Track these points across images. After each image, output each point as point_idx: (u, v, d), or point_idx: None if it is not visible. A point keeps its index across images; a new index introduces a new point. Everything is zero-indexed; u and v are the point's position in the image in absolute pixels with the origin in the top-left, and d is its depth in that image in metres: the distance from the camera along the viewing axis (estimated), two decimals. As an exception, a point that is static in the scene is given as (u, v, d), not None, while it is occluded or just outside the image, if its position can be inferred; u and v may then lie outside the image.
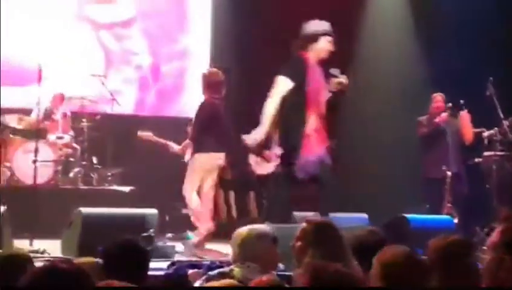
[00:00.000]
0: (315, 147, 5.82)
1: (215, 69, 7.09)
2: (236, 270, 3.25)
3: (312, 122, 5.83)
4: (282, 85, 5.81)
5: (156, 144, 7.29)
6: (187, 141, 6.97)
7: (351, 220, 6.04)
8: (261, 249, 3.40)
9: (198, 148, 6.69)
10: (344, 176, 7.70)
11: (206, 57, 9.88)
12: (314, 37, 5.89)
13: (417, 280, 2.61)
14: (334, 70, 6.00)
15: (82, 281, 2.19)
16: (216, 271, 3.30)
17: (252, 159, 6.59)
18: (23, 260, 3.04)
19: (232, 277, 3.00)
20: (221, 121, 6.72)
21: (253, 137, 5.92)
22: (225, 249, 5.84)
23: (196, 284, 3.31)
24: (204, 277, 3.29)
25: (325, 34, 5.91)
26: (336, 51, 6.02)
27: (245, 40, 9.41)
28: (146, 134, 7.30)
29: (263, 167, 6.88)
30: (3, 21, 8.74)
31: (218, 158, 6.73)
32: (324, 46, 5.90)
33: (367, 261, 2.79)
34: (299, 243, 3.42)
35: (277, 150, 5.93)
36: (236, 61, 9.44)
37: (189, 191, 6.69)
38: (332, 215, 5.46)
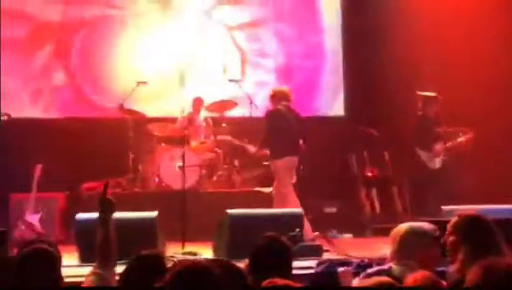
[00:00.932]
0: None
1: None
2: (395, 267, 3.22)
3: None
4: None
5: (236, 146, 7.60)
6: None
7: (500, 212, 5.82)
8: (421, 246, 3.33)
9: (274, 155, 7.25)
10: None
11: (339, 54, 9.86)
12: None
13: None
14: None
15: (233, 279, 2.29)
16: (375, 269, 3.28)
17: (423, 154, 7.82)
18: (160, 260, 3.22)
19: (390, 275, 2.98)
20: (290, 127, 7.28)
21: None
22: (370, 246, 5.79)
23: (354, 282, 3.30)
24: (362, 275, 3.28)
25: None
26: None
27: (378, 37, 9.32)
28: (224, 138, 7.55)
29: (433, 161, 7.37)
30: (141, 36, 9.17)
31: (293, 161, 7.30)
32: None
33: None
34: (451, 238, 3.35)
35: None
36: (368, 58, 9.38)
37: (284, 190, 7.10)
38: (479, 207, 5.29)
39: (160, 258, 3.32)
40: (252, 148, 7.60)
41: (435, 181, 8.07)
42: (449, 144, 8.27)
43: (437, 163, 8.17)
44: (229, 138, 7.72)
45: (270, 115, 7.42)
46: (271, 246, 3.39)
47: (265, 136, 7.39)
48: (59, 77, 9.36)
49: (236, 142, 7.88)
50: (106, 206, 3.40)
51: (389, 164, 8.79)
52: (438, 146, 8.17)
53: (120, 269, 3.19)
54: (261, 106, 9.21)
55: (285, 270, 3.26)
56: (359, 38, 9.66)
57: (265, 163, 8.09)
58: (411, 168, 8.50)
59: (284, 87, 7.79)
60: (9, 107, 8.82)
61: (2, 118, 5.26)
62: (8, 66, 9.19)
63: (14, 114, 8.39)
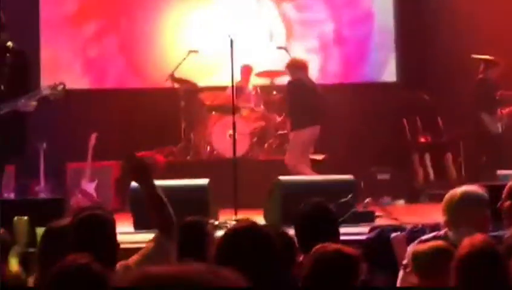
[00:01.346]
0: None
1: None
2: (450, 233, 3.19)
3: None
4: None
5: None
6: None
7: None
8: (475, 211, 3.28)
9: (297, 125, 7.36)
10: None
11: (389, 19, 9.70)
12: None
13: None
14: None
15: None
16: (430, 235, 3.26)
17: (487, 118, 7.82)
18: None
19: (446, 241, 2.95)
20: (312, 96, 7.38)
21: None
22: (424, 212, 5.73)
23: (408, 248, 3.28)
24: (417, 241, 3.25)
25: None
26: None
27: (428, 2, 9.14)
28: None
29: (496, 125, 7.67)
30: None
31: (316, 131, 7.40)
32: None
33: None
34: (507, 202, 3.30)
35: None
36: (421, 22, 9.21)
37: (293, 162, 7.28)
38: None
39: (203, 224, 3.36)
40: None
41: (492, 146, 7.93)
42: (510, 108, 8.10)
43: (499, 127, 8.02)
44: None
45: (292, 85, 7.51)
46: (316, 213, 3.40)
47: (288, 107, 7.55)
48: (111, 49, 9.47)
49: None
50: (142, 172, 3.26)
51: (442, 129, 8.66)
52: (506, 110, 8.03)
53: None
54: (310, 73, 9.16)
55: (332, 236, 3.26)
56: (411, 1, 9.48)
57: (281, 132, 8.21)
58: (467, 133, 8.36)
59: (301, 58, 7.85)
60: (63, 78, 8.97)
61: (59, 87, 5.35)
62: (61, 39, 9.35)
63: (68, 86, 8.54)
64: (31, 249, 4.36)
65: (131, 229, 5.58)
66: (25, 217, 4.48)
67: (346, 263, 2.71)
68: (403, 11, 9.59)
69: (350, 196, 5.59)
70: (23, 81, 5.42)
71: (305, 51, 9.66)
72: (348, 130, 8.81)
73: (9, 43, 5.41)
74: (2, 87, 5.31)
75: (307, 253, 2.79)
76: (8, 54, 5.35)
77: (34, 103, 5.25)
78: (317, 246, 2.84)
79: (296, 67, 7.53)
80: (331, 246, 2.84)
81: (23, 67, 5.46)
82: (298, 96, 7.38)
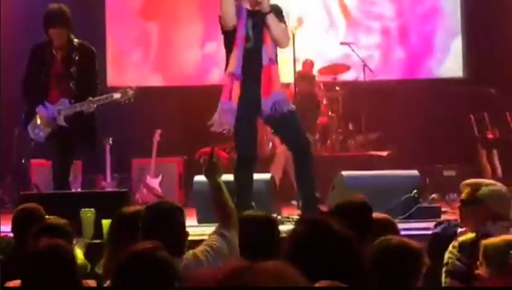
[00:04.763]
0: None
1: None
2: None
3: None
4: None
5: None
6: None
7: None
8: None
9: None
10: None
11: (456, 14, 9.50)
12: None
13: None
14: None
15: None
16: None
17: None
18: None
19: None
20: None
21: None
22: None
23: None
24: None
25: None
26: None
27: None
28: None
29: None
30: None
31: None
32: None
33: None
34: None
35: None
36: (489, 17, 8.99)
37: None
38: None
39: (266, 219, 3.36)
40: None
41: None
42: None
43: None
44: None
45: None
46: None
47: None
48: (177, 47, 9.56)
49: None
50: (213, 170, 3.48)
51: (511, 125, 8.43)
52: None
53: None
54: (374, 69, 9.06)
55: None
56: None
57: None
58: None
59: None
60: (128, 75, 9.16)
61: (130, 91, 5.46)
62: (127, 36, 9.52)
63: (133, 83, 8.69)
64: (97, 241, 4.45)
65: (195, 222, 5.63)
66: (92, 209, 4.56)
67: (409, 256, 2.67)
68: (471, 6, 9.37)
69: (414, 191, 5.51)
70: (91, 78, 5.52)
71: (369, 46, 9.55)
72: (414, 126, 8.67)
73: (77, 41, 5.52)
74: (72, 85, 5.43)
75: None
76: (75, 52, 5.46)
77: (94, 105, 5.37)
78: (380, 238, 2.80)
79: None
80: (395, 238, 2.80)
81: (92, 65, 5.56)
82: None
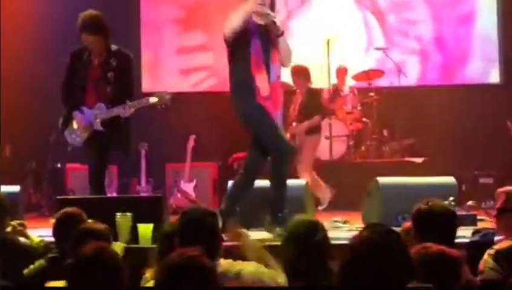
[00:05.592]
0: None
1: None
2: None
3: None
4: None
5: None
6: None
7: None
8: None
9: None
10: None
11: (493, 19, 9.38)
12: None
13: None
14: None
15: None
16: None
17: None
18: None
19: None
20: None
21: None
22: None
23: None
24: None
25: None
26: None
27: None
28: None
29: None
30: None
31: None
32: None
33: None
34: None
35: None
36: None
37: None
38: None
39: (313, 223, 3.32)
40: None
41: None
42: None
43: None
44: None
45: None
46: (433, 210, 3.32)
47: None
48: (210, 54, 9.61)
49: None
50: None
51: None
52: None
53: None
54: (409, 74, 8.99)
55: (447, 236, 3.19)
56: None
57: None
58: None
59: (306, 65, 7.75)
60: (163, 81, 9.22)
61: (166, 95, 5.48)
62: (162, 42, 9.60)
63: (169, 88, 8.76)
64: (132, 245, 4.47)
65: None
66: (128, 214, 4.58)
67: (449, 264, 2.64)
68: (507, 10, 9.26)
69: (451, 198, 5.43)
70: (128, 83, 5.55)
71: (404, 51, 9.49)
72: (449, 132, 8.59)
73: (114, 47, 5.55)
74: (109, 90, 5.46)
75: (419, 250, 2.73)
76: (113, 58, 5.49)
77: (132, 110, 5.38)
78: (418, 246, 2.77)
79: (304, 76, 7.69)
80: (435, 246, 2.77)
81: (129, 70, 5.58)
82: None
